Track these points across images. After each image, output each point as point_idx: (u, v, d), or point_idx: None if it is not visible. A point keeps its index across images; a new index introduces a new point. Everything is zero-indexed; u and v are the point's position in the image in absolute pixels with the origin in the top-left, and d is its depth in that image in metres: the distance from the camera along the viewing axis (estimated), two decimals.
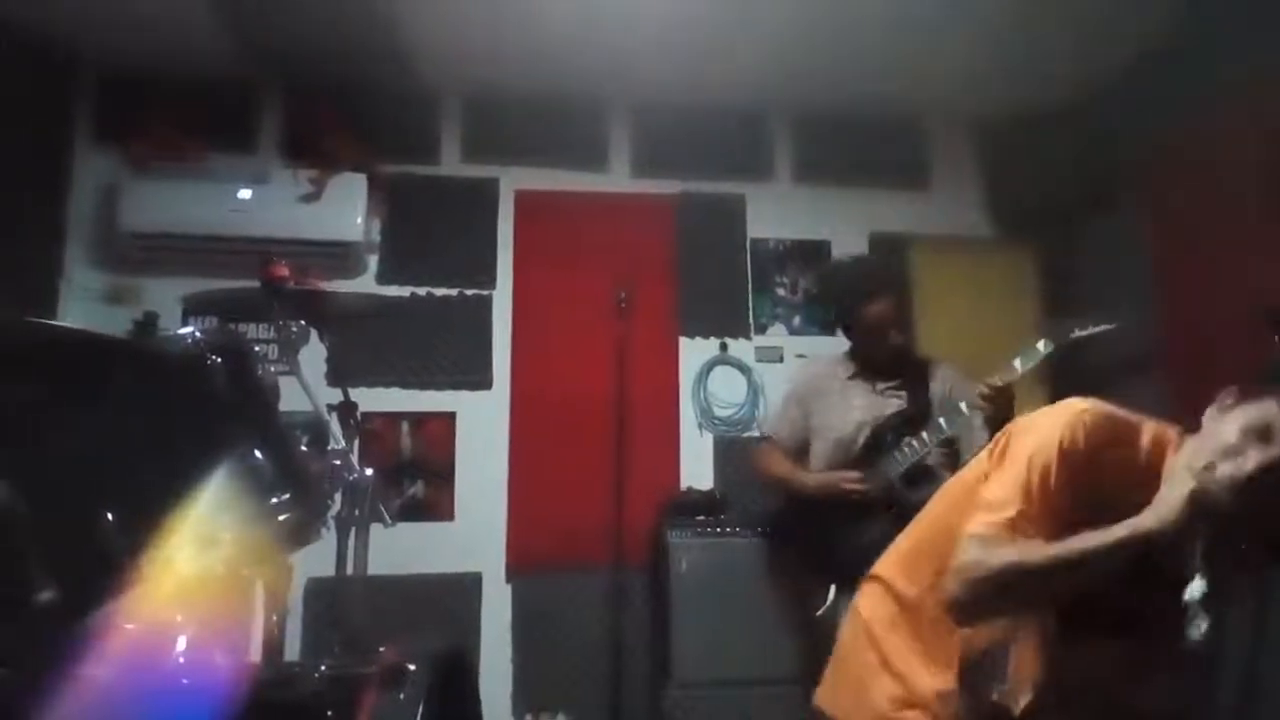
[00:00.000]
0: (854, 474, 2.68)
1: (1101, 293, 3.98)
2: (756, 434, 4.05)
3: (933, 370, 2.84)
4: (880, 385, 2.81)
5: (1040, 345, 2.34)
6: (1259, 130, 3.12)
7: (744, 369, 4.14)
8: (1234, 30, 3.19)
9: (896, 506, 2.58)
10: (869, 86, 4.08)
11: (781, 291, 4.28)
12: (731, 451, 4.04)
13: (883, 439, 2.70)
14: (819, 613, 2.68)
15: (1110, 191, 3.94)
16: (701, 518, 3.53)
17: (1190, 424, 1.32)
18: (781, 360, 4.17)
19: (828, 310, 3.03)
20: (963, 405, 2.50)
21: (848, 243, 4.25)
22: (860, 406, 2.79)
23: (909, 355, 2.88)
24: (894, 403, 2.76)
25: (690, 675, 3.26)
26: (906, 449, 2.62)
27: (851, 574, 2.63)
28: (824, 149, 4.35)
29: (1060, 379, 3.24)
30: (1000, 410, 2.39)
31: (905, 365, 2.83)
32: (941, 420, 2.58)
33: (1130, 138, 3.76)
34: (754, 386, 4.11)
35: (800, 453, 2.94)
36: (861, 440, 2.74)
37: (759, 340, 4.21)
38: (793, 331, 4.24)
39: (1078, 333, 2.30)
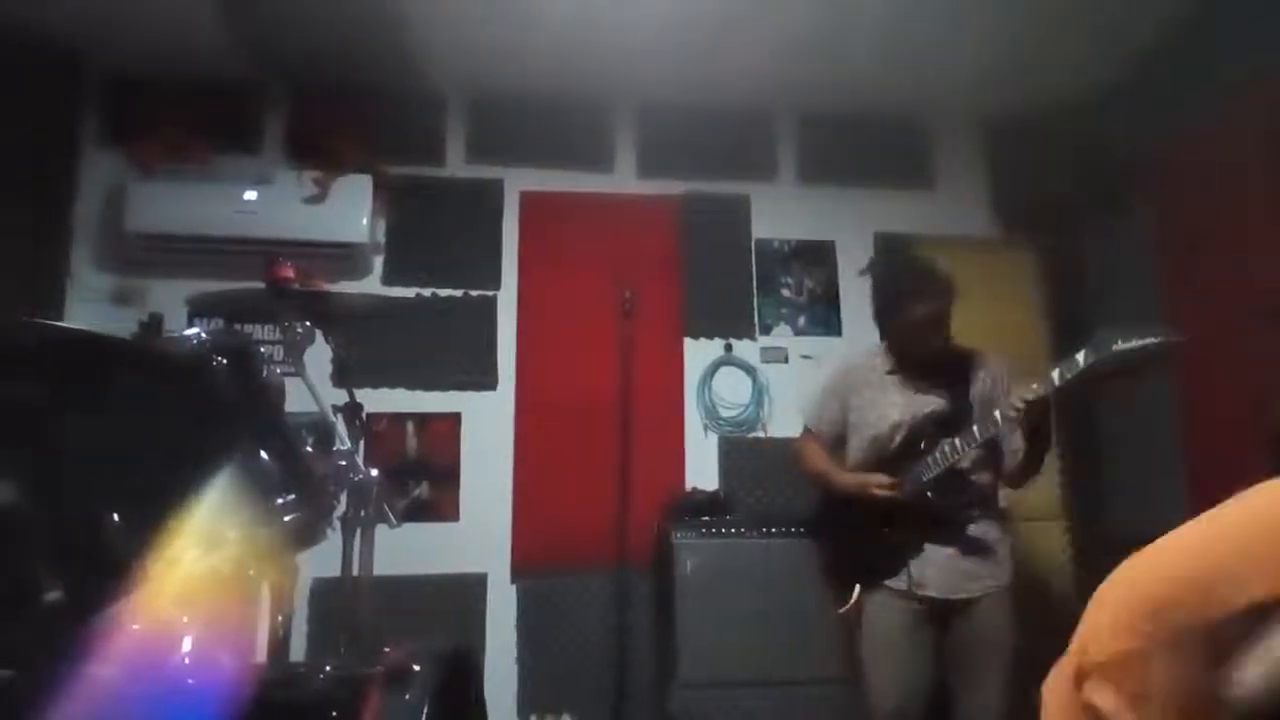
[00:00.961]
0: (885, 479, 2.63)
1: (1106, 292, 3.97)
2: (761, 434, 4.06)
3: (976, 364, 2.74)
4: (919, 383, 2.74)
5: (1080, 357, 2.21)
6: (1259, 130, 3.11)
7: (749, 369, 4.14)
8: (1234, 30, 3.18)
9: (926, 512, 2.58)
10: (873, 86, 4.08)
11: (786, 292, 4.27)
12: (736, 452, 4.04)
13: (918, 441, 2.64)
14: (842, 610, 2.69)
15: (1114, 191, 3.94)
16: (706, 518, 3.52)
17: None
18: (786, 361, 4.17)
19: (877, 301, 2.91)
20: (997, 415, 2.42)
21: (852, 243, 4.27)
22: (898, 405, 2.72)
23: (948, 353, 2.75)
24: (933, 402, 2.69)
25: (695, 676, 3.25)
26: (940, 454, 2.55)
27: (875, 575, 2.65)
28: (828, 149, 4.35)
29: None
30: (1036, 420, 2.36)
31: (945, 362, 2.73)
32: (975, 428, 2.50)
33: (1133, 137, 3.76)
34: (759, 387, 4.11)
35: (838, 445, 2.90)
36: (897, 440, 2.69)
37: (764, 341, 4.20)
38: (798, 332, 4.23)
39: (1121, 345, 2.14)
